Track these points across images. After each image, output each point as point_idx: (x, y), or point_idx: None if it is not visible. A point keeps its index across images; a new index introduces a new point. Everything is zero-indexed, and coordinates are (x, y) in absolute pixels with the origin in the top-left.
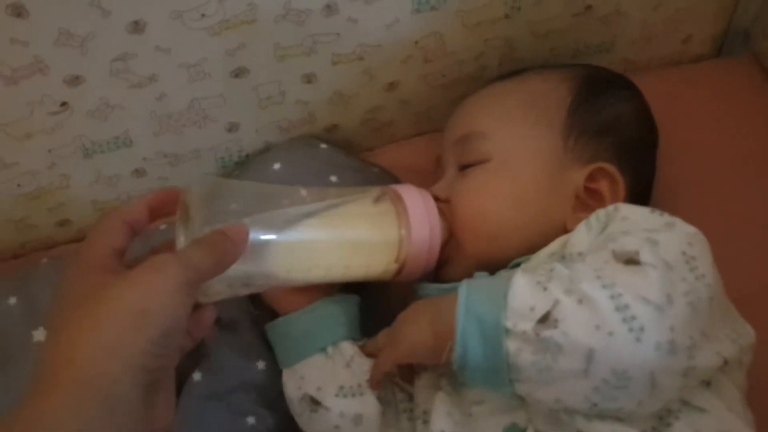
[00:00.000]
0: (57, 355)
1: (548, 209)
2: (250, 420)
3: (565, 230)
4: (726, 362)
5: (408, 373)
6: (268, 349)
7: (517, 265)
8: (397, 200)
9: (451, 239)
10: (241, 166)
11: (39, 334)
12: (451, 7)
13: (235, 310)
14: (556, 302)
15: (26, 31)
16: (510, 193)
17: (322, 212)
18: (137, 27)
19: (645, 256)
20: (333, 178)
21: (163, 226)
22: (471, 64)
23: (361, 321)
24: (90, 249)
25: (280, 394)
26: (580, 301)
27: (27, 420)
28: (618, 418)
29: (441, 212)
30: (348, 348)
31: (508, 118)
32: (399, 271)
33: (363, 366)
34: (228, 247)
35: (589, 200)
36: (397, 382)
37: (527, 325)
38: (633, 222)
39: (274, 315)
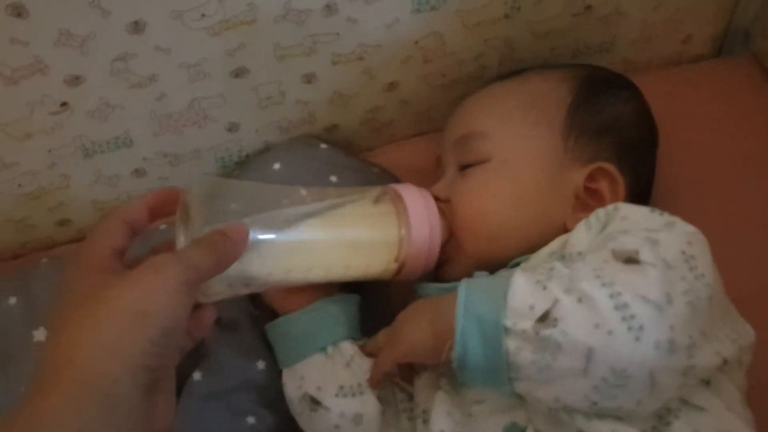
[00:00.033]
0: (57, 355)
1: (548, 209)
2: (250, 420)
3: (565, 230)
4: (725, 362)
5: (408, 372)
6: (268, 349)
7: (517, 264)
8: (397, 200)
9: (451, 239)
10: (241, 166)
11: (39, 334)
12: (451, 7)
13: (235, 310)
14: (556, 301)
15: (26, 31)
16: (510, 193)
17: (322, 212)
18: (137, 27)
19: (645, 255)
20: (333, 178)
21: (163, 226)
22: (471, 64)
23: (361, 321)
24: (90, 249)
25: (280, 394)
26: (579, 300)
27: (27, 420)
28: (617, 417)
29: (441, 212)
30: (348, 348)
31: (508, 118)
32: (399, 271)
33: (363, 366)
34: (228, 247)
35: (589, 200)
36: (397, 382)
37: (527, 324)
38: (633, 221)
39: (274, 315)
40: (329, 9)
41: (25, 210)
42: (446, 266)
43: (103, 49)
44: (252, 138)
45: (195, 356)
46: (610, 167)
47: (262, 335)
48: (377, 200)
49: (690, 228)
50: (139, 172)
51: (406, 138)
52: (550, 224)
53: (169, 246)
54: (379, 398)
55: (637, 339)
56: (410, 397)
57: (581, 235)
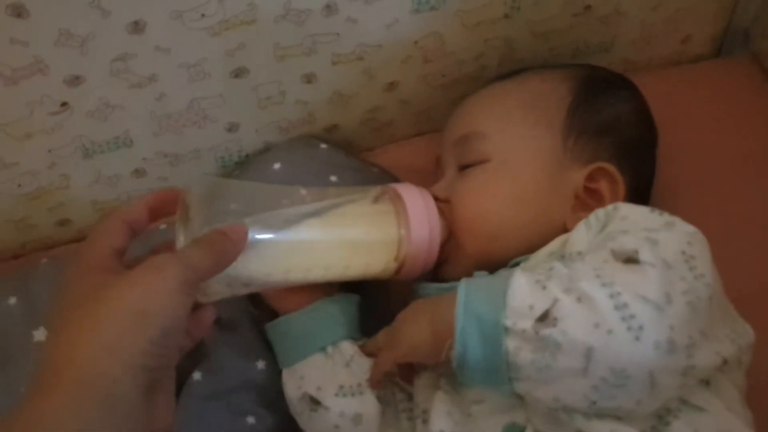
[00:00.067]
0: (57, 355)
1: (548, 209)
2: (250, 420)
3: (565, 230)
4: (725, 362)
5: (408, 372)
6: (267, 349)
7: (517, 264)
8: (397, 199)
9: (450, 239)
10: (241, 166)
11: (39, 334)
12: (451, 7)
13: (235, 310)
14: (555, 301)
15: (26, 31)
16: (510, 193)
17: (322, 212)
18: (137, 27)
19: (644, 255)
20: (333, 178)
21: (163, 226)
22: (471, 64)
23: (361, 321)
24: (90, 249)
25: (279, 394)
26: (579, 300)
27: (27, 420)
28: (617, 416)
29: (440, 212)
30: (348, 347)
31: (508, 119)
32: (398, 271)
33: (363, 365)
34: (227, 246)
35: (588, 200)
36: (397, 382)
37: (526, 324)
38: (632, 221)
39: (273, 315)
40: (329, 9)
41: (25, 210)
42: (446, 266)
43: (103, 49)
44: (252, 138)
45: (195, 356)
46: (609, 167)
47: (261, 335)
48: (377, 200)
49: (690, 228)
50: (139, 172)
51: (406, 138)
52: (549, 224)
53: (168, 246)
54: (379, 398)
55: (637, 339)
56: (410, 397)
57: (581, 235)
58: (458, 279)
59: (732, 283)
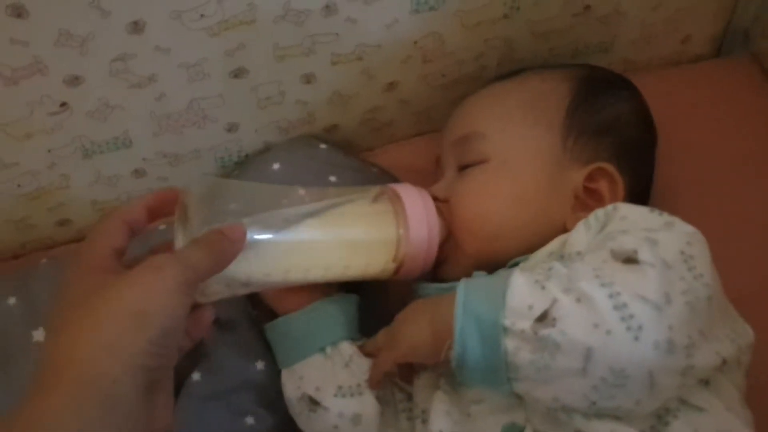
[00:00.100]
0: (57, 355)
1: (548, 209)
2: (250, 420)
3: (565, 230)
4: (725, 362)
5: (407, 372)
6: (267, 349)
7: (516, 264)
8: (396, 199)
9: (449, 239)
10: (241, 166)
11: (39, 334)
12: (451, 8)
13: (234, 310)
14: (555, 301)
15: (26, 31)
16: (509, 193)
17: (321, 212)
18: (137, 27)
19: (644, 255)
20: (332, 178)
21: (162, 226)
22: (470, 64)
23: (361, 321)
24: (90, 249)
25: (279, 394)
26: (578, 300)
27: (27, 420)
28: (616, 417)
29: (439, 211)
30: (347, 348)
31: (508, 119)
32: (397, 271)
33: (362, 366)
34: (226, 246)
35: (588, 200)
36: (397, 382)
37: (525, 324)
38: (632, 221)
39: (273, 315)
40: (328, 9)
41: (25, 210)
42: (445, 266)
43: (103, 49)
44: (251, 138)
45: (194, 356)
46: (609, 167)
47: (261, 335)
48: (376, 200)
49: (689, 228)
50: (138, 173)
51: (406, 138)
52: (549, 224)
53: (168, 246)
54: (378, 398)
55: (636, 339)
56: (409, 397)
57: (580, 235)
58: (457, 279)
59: (732, 283)
